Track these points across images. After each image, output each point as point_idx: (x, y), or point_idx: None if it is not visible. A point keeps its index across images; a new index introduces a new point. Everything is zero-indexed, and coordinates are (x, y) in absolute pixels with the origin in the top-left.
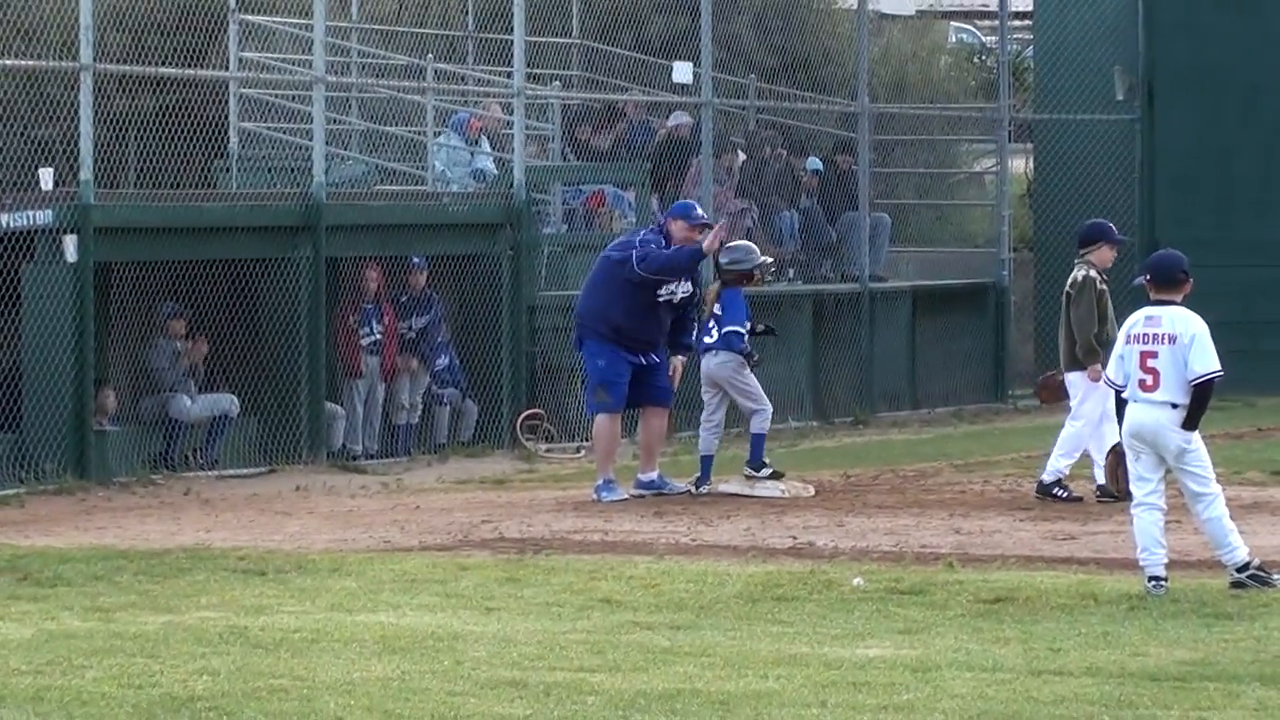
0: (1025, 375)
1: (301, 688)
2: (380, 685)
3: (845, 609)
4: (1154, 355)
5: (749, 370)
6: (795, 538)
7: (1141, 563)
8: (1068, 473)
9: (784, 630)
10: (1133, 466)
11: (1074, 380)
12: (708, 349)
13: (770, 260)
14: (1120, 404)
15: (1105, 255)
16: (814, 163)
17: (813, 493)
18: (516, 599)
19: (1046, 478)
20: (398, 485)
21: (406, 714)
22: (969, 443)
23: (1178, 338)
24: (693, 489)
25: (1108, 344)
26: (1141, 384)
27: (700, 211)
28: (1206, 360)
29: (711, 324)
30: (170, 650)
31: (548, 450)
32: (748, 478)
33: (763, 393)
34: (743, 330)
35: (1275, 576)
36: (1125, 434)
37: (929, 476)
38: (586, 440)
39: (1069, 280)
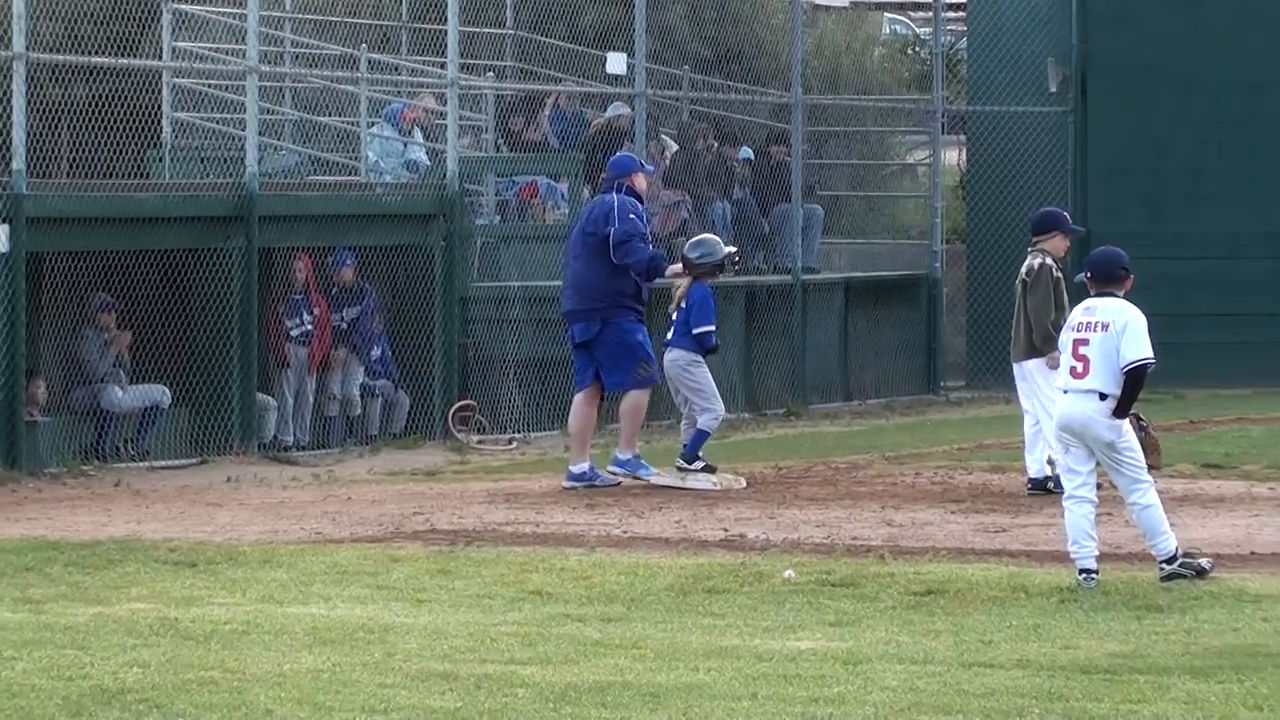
0: (957, 367)
1: (232, 680)
2: (311, 677)
3: (776, 601)
4: (1085, 343)
5: (704, 368)
6: (727, 530)
7: (1072, 555)
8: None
9: (715, 622)
10: (1062, 459)
11: (1029, 369)
12: (665, 345)
13: (734, 250)
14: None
15: (1059, 244)
16: (745, 151)
17: (744, 485)
18: (448, 591)
19: (1032, 473)
20: (329, 477)
21: (337, 706)
22: (901, 435)
23: (1110, 325)
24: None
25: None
26: (1072, 370)
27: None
28: (1139, 347)
29: (675, 319)
30: (100, 642)
31: (479, 442)
32: (679, 469)
33: (716, 392)
34: (713, 329)
35: (1204, 560)
36: (1056, 426)
37: (861, 469)
38: (518, 432)
39: (1024, 269)
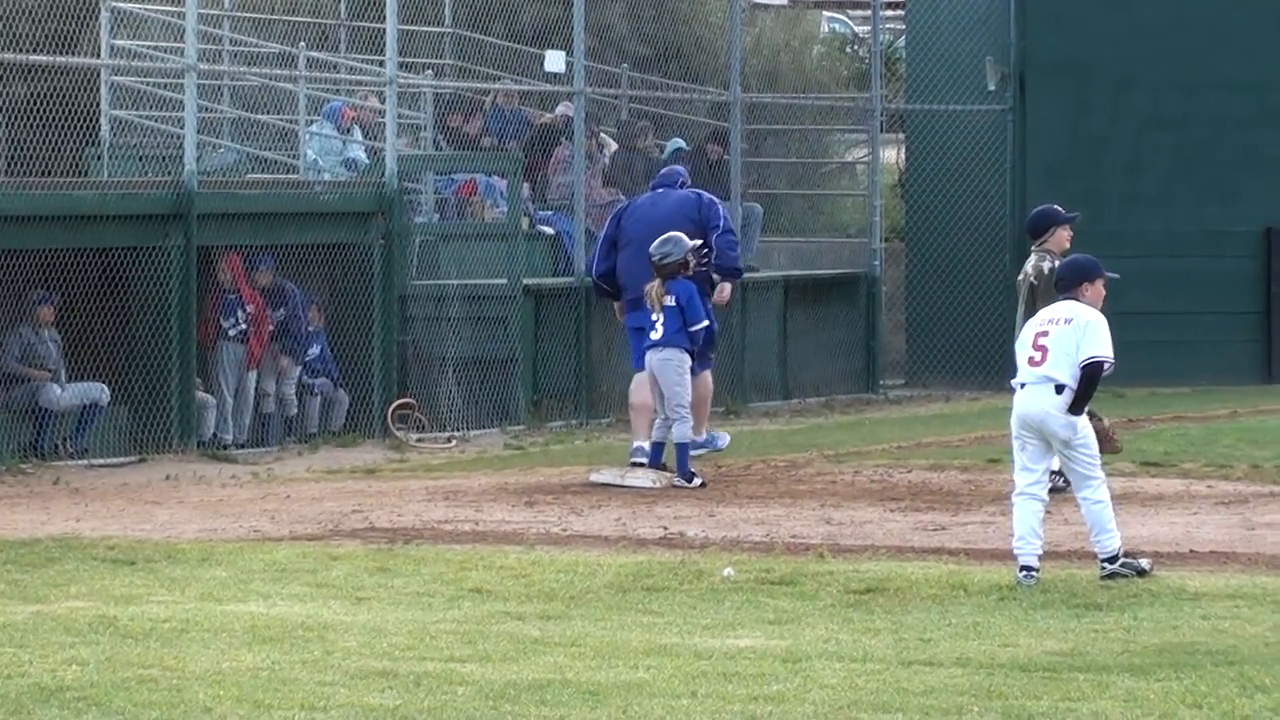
0: (896, 365)
1: (171, 678)
2: (250, 675)
3: (715, 599)
4: (1045, 334)
5: (689, 375)
6: (666, 528)
7: (1015, 550)
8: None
9: (654, 620)
10: (1018, 456)
11: None
12: (652, 345)
13: (699, 242)
14: None
15: (1062, 238)
16: (676, 142)
17: (695, 485)
18: (387, 589)
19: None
20: (268, 475)
21: (276, 704)
22: (840, 433)
23: (1074, 320)
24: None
25: None
26: (1030, 360)
27: None
28: (1099, 345)
29: (656, 319)
30: (39, 640)
31: (419, 440)
32: (675, 486)
33: (690, 402)
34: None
35: (1144, 561)
36: (1014, 422)
37: (800, 467)
38: (457, 430)
39: (1030, 271)
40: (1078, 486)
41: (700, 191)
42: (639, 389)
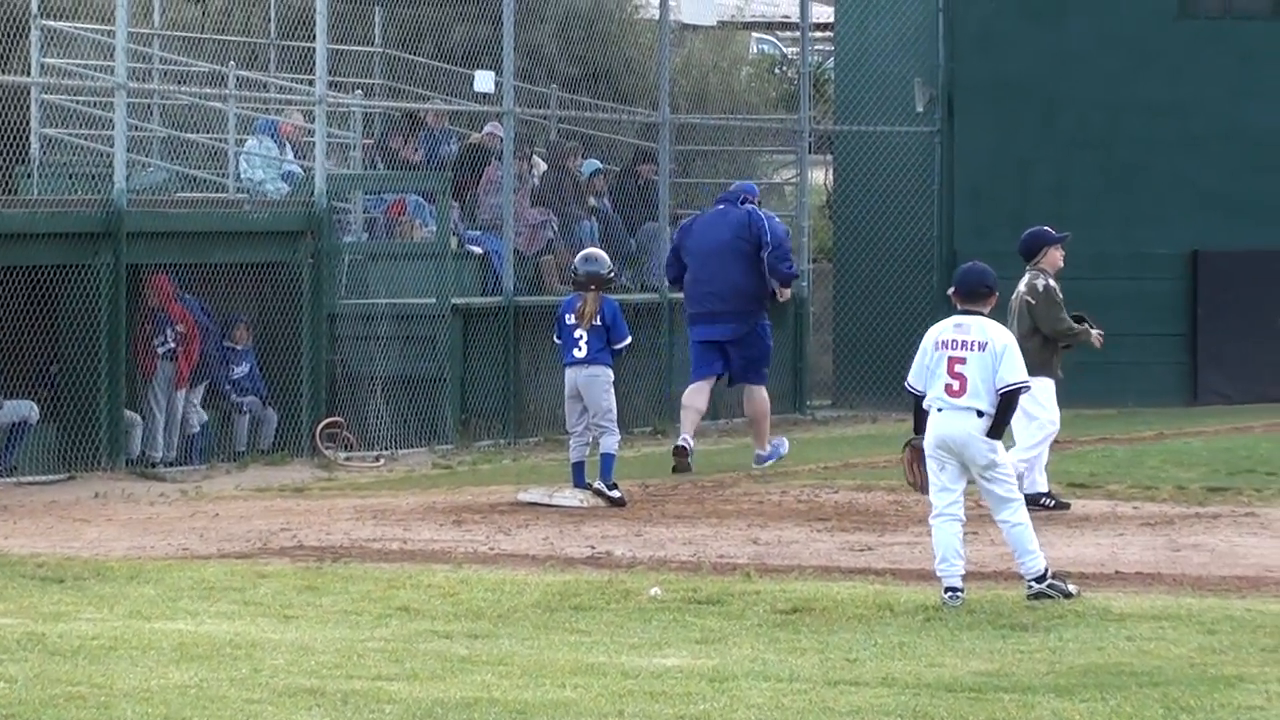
0: (823, 386)
1: (99, 695)
2: (178, 693)
3: (643, 618)
4: (962, 361)
5: (613, 389)
6: (593, 547)
7: (939, 573)
8: (1045, 486)
9: (581, 639)
10: (936, 477)
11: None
12: (576, 363)
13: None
14: (918, 413)
15: (1055, 257)
16: (591, 164)
17: (618, 504)
18: (315, 607)
19: (1027, 491)
20: (197, 493)
21: None
22: None
23: (988, 344)
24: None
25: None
26: (948, 388)
27: None
28: (1016, 371)
29: (580, 336)
30: None
31: (347, 459)
32: (596, 492)
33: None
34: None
35: (1071, 585)
36: (931, 444)
37: (727, 486)
38: (386, 449)
39: (1025, 289)
40: (997, 510)
41: (752, 209)
42: (694, 394)
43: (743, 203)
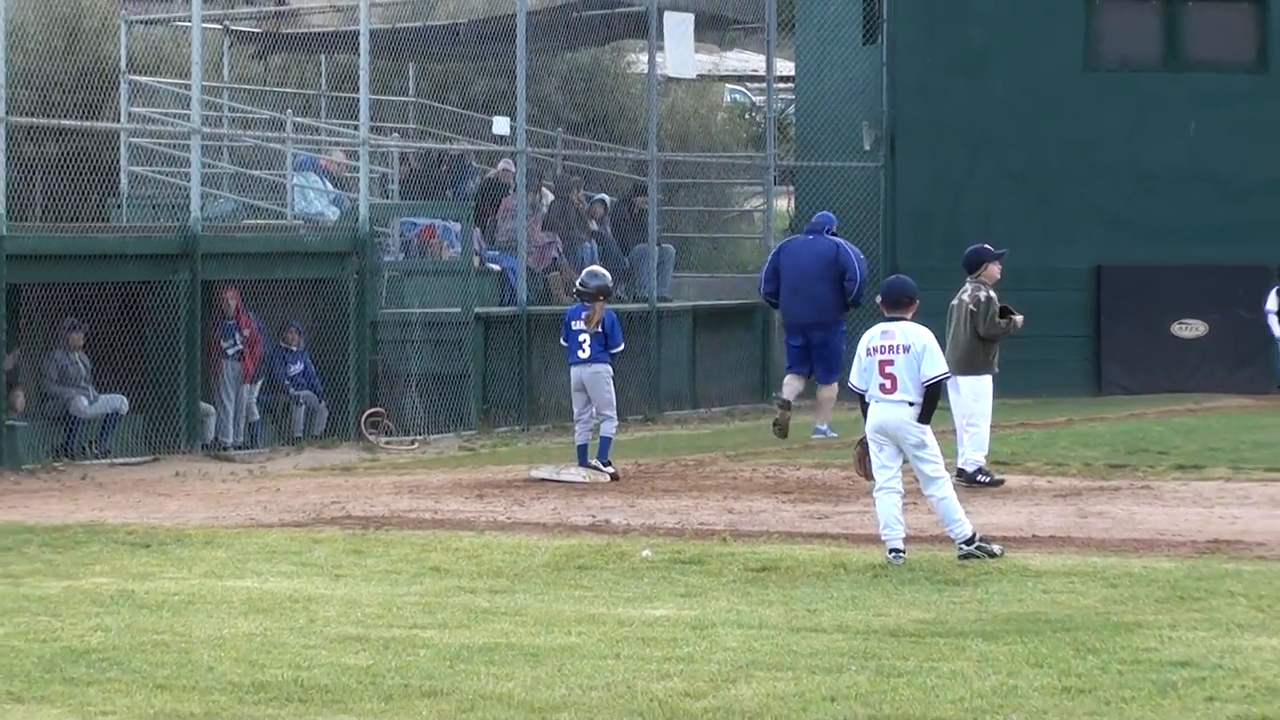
0: None
1: (180, 642)
2: (246, 640)
3: (636, 576)
4: (891, 363)
5: (612, 383)
6: (594, 516)
7: (883, 537)
8: (985, 461)
9: (584, 594)
10: (876, 456)
11: (965, 384)
12: (581, 362)
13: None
14: (864, 405)
15: (993, 271)
16: (597, 195)
17: (611, 479)
18: (360, 567)
19: (967, 468)
20: (261, 472)
21: (268, 664)
22: (740, 437)
23: (910, 347)
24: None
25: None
26: (882, 387)
27: None
28: (936, 365)
29: (584, 340)
30: (69, 610)
31: (387, 443)
32: (594, 467)
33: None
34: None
35: (996, 547)
36: (871, 429)
37: (707, 465)
38: (419, 435)
39: (968, 298)
40: (926, 485)
41: (839, 242)
42: (789, 384)
43: (828, 232)
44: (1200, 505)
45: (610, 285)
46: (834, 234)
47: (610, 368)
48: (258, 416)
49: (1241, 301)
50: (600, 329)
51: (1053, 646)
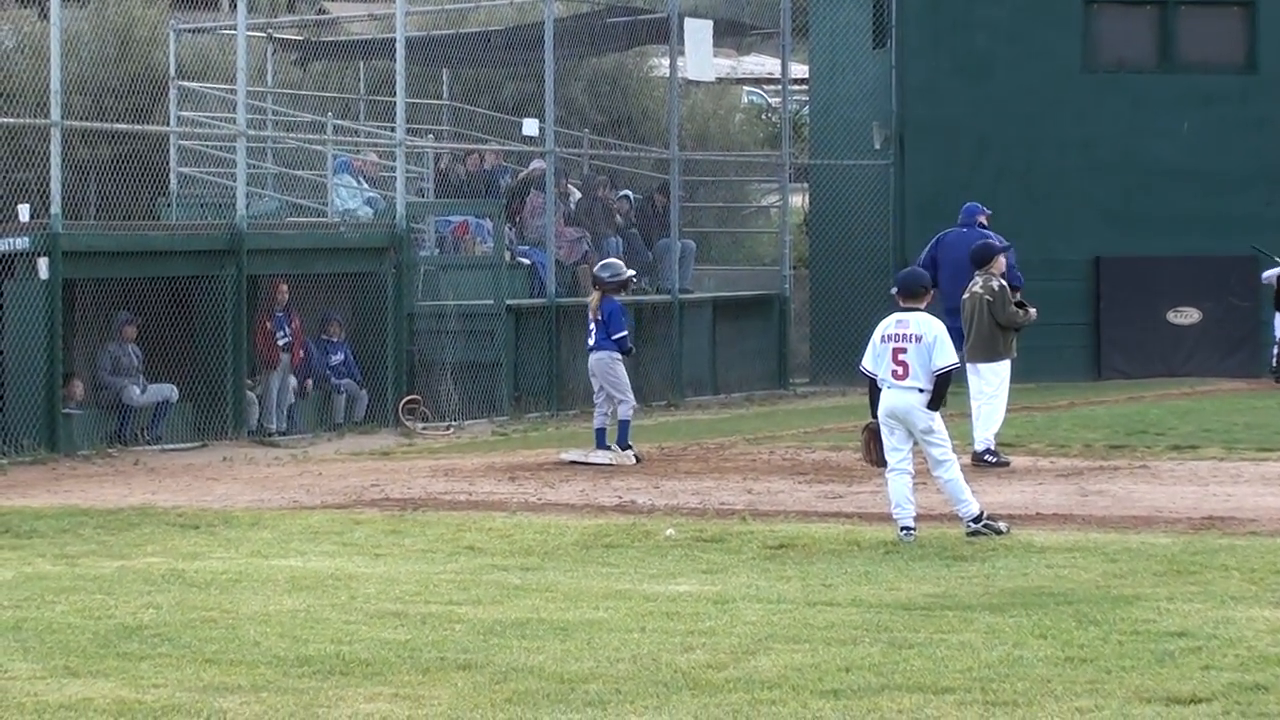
0: (802, 367)
1: (228, 618)
2: (290, 616)
3: (660, 554)
4: (903, 351)
5: (622, 366)
6: (621, 497)
7: (895, 516)
8: (994, 442)
9: (611, 571)
10: (887, 440)
11: (985, 369)
12: (590, 349)
13: (634, 272)
14: (875, 391)
15: (1000, 263)
16: (624, 191)
17: (634, 462)
18: (399, 547)
19: (978, 447)
20: (304, 456)
21: (311, 639)
22: (758, 421)
23: (922, 337)
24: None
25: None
26: (894, 374)
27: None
28: (947, 355)
29: (592, 328)
30: (123, 589)
31: (423, 428)
32: (612, 450)
33: (629, 386)
34: (628, 334)
35: (1002, 524)
36: (882, 414)
37: (727, 448)
38: (454, 421)
39: (982, 291)
40: (934, 467)
41: (988, 235)
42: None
43: (974, 223)
44: (1195, 484)
45: (605, 276)
46: (984, 225)
47: (615, 354)
48: (293, 400)
49: (1233, 290)
50: (601, 317)
51: (1056, 618)
